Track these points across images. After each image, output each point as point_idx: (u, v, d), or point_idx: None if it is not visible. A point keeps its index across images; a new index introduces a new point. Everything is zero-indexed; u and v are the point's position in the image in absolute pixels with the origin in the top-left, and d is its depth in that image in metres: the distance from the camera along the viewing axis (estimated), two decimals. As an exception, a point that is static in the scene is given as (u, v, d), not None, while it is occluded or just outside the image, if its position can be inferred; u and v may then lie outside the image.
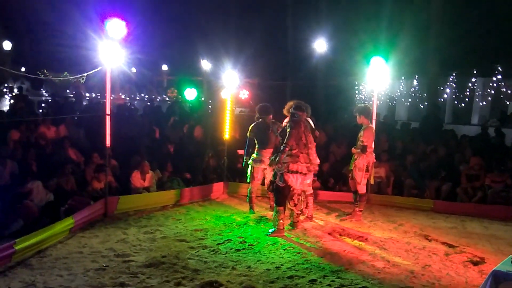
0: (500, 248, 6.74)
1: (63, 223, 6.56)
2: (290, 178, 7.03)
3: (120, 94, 27.79)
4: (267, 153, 8.06)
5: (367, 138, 7.84)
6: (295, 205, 7.29)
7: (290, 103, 7.58)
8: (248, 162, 8.28)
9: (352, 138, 8.88)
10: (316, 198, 8.81)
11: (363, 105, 8.42)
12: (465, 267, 5.89)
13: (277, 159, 7.07)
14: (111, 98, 8.21)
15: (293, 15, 23.38)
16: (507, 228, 7.96)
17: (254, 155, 8.20)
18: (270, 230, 7.18)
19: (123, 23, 7.17)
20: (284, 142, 7.03)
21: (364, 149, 7.81)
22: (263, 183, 8.45)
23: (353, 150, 8.01)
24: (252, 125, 8.28)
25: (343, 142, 11.00)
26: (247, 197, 8.38)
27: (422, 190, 9.59)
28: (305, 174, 7.16)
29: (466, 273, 5.68)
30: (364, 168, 7.89)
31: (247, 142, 8.37)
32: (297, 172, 7.05)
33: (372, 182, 8.39)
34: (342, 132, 12.19)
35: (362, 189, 7.97)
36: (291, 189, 7.11)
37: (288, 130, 7.06)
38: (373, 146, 7.99)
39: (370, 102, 11.31)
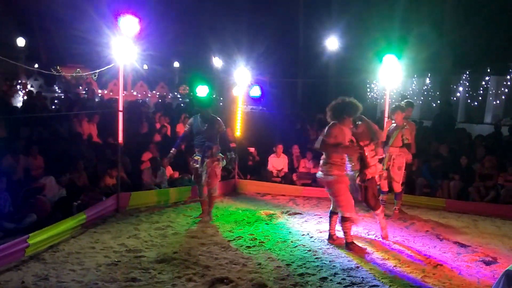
0: (513, 248, 6.67)
1: (75, 218, 6.63)
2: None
3: (132, 91, 27.89)
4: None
5: (410, 136, 7.87)
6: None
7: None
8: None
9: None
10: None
11: (404, 102, 8.21)
12: (477, 267, 5.83)
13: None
14: (123, 94, 8.23)
15: (305, 12, 23.34)
16: (520, 228, 7.88)
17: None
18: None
19: (136, 20, 7.19)
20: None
21: (409, 147, 7.86)
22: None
23: (392, 149, 7.77)
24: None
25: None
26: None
27: (434, 189, 9.53)
28: None
29: (478, 273, 5.62)
30: (404, 166, 7.93)
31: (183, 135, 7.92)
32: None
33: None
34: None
35: (399, 187, 8.02)
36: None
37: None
38: None
39: (382, 101, 11.20)
